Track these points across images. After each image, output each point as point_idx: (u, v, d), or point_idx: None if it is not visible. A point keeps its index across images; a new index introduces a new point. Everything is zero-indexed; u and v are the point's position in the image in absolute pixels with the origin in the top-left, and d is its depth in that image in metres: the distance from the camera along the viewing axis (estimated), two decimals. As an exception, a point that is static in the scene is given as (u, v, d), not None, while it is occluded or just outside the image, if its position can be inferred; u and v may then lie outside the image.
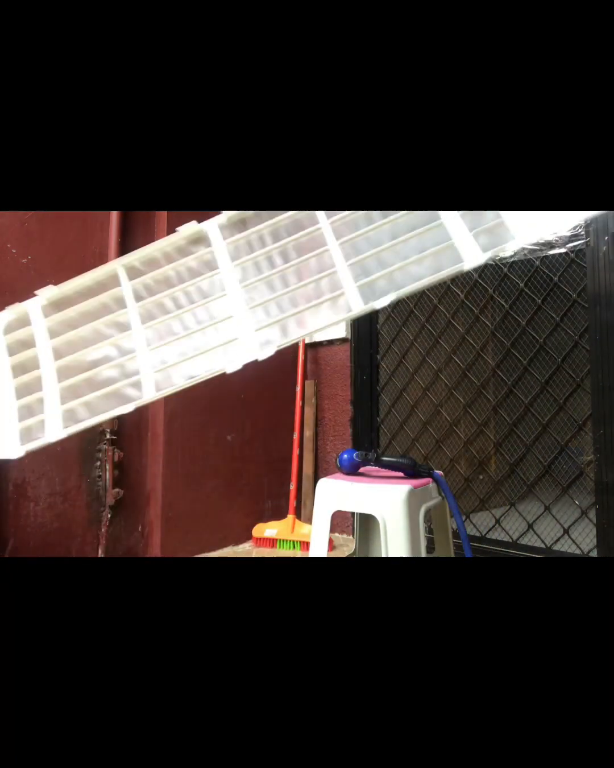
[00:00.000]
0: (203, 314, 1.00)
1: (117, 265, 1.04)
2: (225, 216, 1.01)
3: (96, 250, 1.77)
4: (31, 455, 1.61)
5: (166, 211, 1.92)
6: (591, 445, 1.56)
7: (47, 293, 1.06)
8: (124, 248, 1.84)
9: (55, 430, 0.99)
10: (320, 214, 0.97)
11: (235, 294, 0.99)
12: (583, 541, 1.63)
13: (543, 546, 1.71)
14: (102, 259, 1.78)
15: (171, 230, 2.02)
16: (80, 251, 1.72)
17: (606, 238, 1.53)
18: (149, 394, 0.98)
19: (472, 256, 0.88)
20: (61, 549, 1.65)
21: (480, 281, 1.93)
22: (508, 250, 0.89)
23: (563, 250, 1.65)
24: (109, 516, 1.76)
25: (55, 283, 1.67)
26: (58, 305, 1.07)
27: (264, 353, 0.96)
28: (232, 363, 0.97)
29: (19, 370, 1.04)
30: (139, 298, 1.03)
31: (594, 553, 1.57)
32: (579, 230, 1.60)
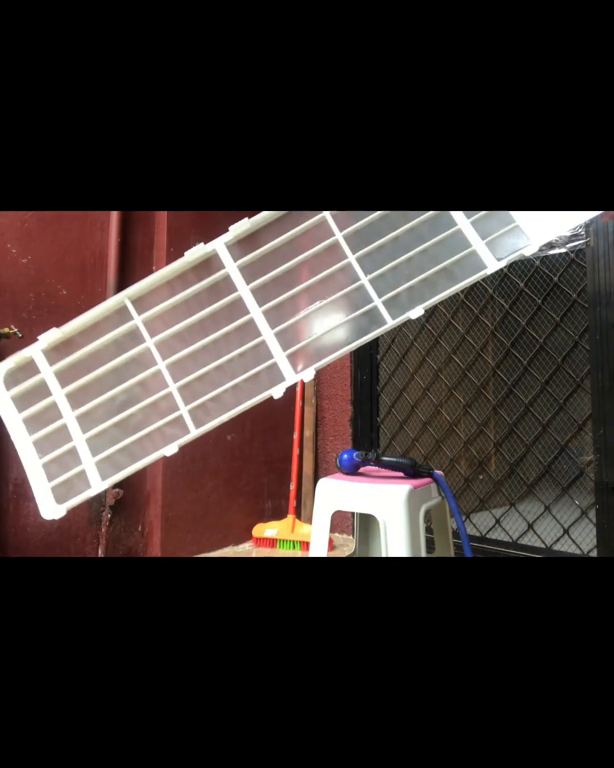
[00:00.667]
0: (227, 341, 0.96)
1: (123, 298, 0.98)
2: (231, 233, 0.97)
3: (96, 250, 1.77)
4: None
5: (165, 211, 1.92)
6: (591, 445, 1.56)
7: (50, 338, 0.98)
8: (123, 248, 1.84)
9: (95, 482, 0.93)
10: (331, 223, 0.95)
11: (258, 316, 0.95)
12: (583, 541, 1.63)
13: (543, 546, 1.71)
14: (102, 259, 1.78)
15: (171, 230, 2.02)
16: (80, 251, 1.72)
17: (606, 238, 1.53)
18: (193, 431, 0.94)
19: (493, 261, 0.90)
20: (61, 549, 1.65)
21: (480, 281, 1.92)
22: (528, 252, 0.90)
23: (563, 250, 1.65)
24: (109, 516, 1.76)
25: (56, 283, 1.67)
26: (61, 349, 1.00)
27: (307, 376, 0.94)
28: (276, 388, 0.94)
29: (35, 423, 0.97)
30: (152, 332, 0.97)
31: (594, 553, 1.57)
32: (579, 230, 1.60)
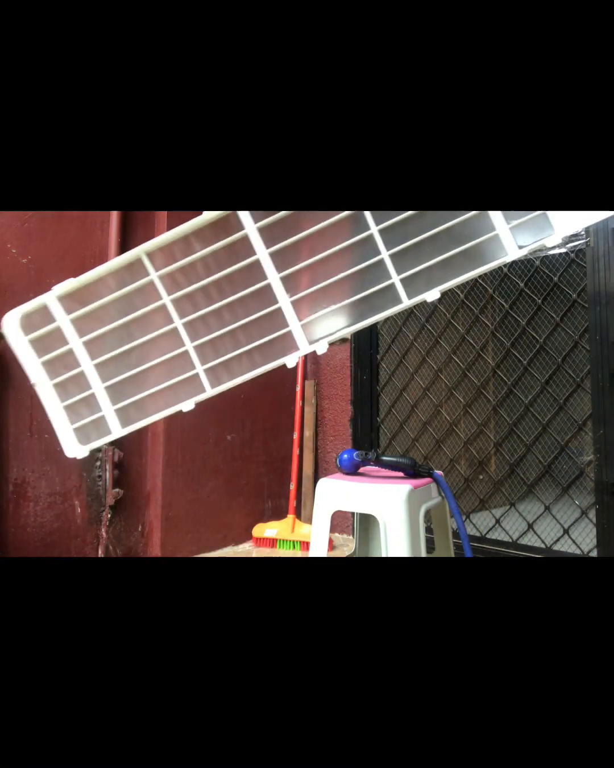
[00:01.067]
0: (243, 305, 0.95)
1: (140, 253, 0.96)
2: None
3: (96, 250, 1.77)
4: (31, 455, 1.61)
5: (165, 211, 1.92)
6: (591, 445, 1.56)
7: (65, 286, 0.99)
8: (123, 248, 1.84)
9: (115, 428, 0.96)
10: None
11: (276, 283, 0.94)
12: (583, 541, 1.63)
13: (543, 546, 1.71)
14: (102, 259, 1.78)
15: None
16: (80, 251, 1.72)
17: (606, 238, 1.53)
18: (208, 390, 0.96)
19: (514, 248, 0.88)
20: (61, 549, 1.65)
21: (480, 281, 1.93)
22: (550, 243, 0.88)
23: (563, 250, 1.65)
24: (109, 516, 1.76)
25: (56, 283, 1.67)
26: (76, 298, 1.00)
27: (320, 348, 0.93)
28: (290, 357, 0.93)
29: (53, 368, 0.98)
30: (168, 290, 0.96)
31: (594, 553, 1.57)
32: (580, 230, 1.59)
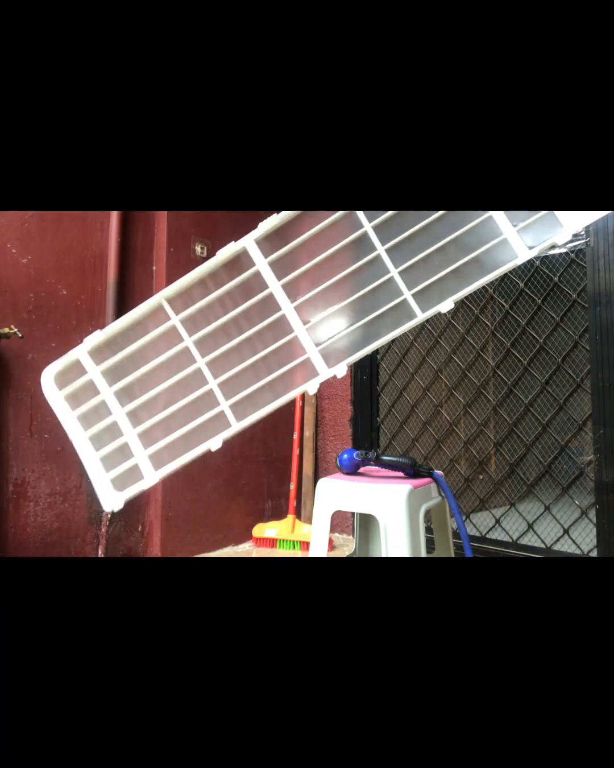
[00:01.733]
0: (261, 338, 0.99)
1: (161, 299, 1.02)
2: (260, 229, 0.99)
3: (96, 250, 1.77)
4: (31, 455, 1.61)
5: (165, 211, 1.92)
6: (591, 445, 1.56)
7: (93, 340, 1.03)
8: (123, 248, 1.84)
9: (149, 475, 0.99)
10: (360, 215, 0.94)
11: (290, 312, 0.97)
12: (583, 541, 1.63)
13: (543, 546, 1.71)
14: (102, 260, 1.78)
15: (171, 230, 2.03)
16: (80, 251, 1.72)
17: (606, 238, 1.53)
18: (234, 424, 0.99)
19: (525, 250, 0.88)
20: (61, 549, 1.65)
21: (480, 281, 1.92)
22: (560, 241, 0.88)
23: (563, 250, 1.65)
24: (109, 516, 1.76)
25: (56, 283, 1.67)
26: (105, 350, 1.05)
27: (340, 371, 0.95)
28: (311, 384, 0.96)
29: (88, 420, 1.03)
30: (189, 332, 1.01)
31: (594, 553, 1.57)
32: (580, 230, 1.59)
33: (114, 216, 1.80)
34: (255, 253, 0.98)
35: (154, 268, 1.95)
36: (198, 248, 2.02)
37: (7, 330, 1.49)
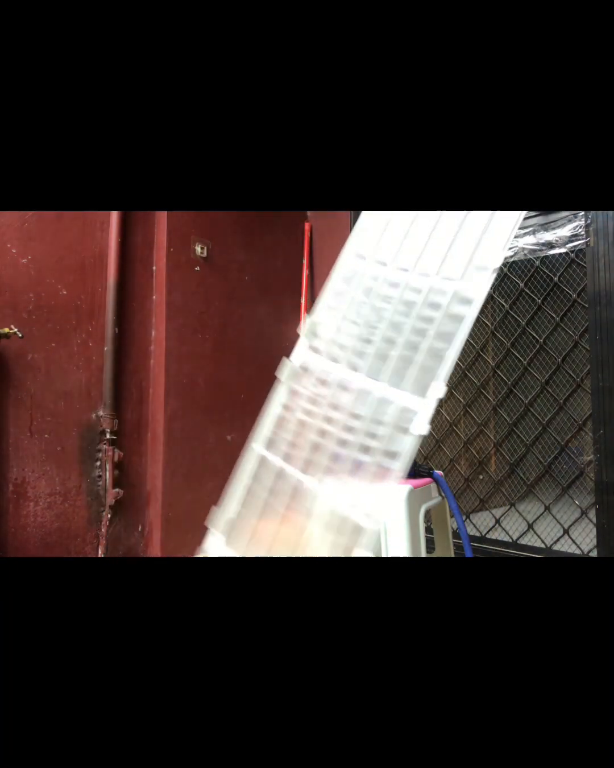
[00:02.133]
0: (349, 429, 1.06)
1: (257, 448, 1.16)
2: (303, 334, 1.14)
3: (96, 250, 1.77)
4: (31, 455, 1.60)
5: (165, 211, 1.92)
6: (591, 445, 1.56)
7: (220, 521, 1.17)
8: (123, 248, 1.84)
9: None
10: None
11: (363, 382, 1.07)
12: (583, 541, 1.63)
13: (543, 546, 1.71)
14: (102, 260, 1.78)
15: (171, 230, 2.02)
16: (80, 251, 1.72)
17: (607, 238, 1.53)
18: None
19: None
20: (61, 549, 1.65)
21: (480, 281, 1.92)
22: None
23: (563, 250, 1.65)
24: (109, 516, 1.76)
25: (56, 283, 1.67)
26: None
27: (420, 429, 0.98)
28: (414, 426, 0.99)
29: None
30: (288, 459, 1.12)
31: (594, 553, 1.57)
32: (580, 230, 1.60)
33: (114, 216, 1.80)
34: (314, 363, 1.17)
35: (154, 268, 1.95)
36: (198, 248, 2.02)
37: (7, 330, 1.49)
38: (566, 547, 1.67)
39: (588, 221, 1.57)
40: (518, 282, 1.81)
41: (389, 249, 1.15)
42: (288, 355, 2.67)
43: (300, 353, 1.18)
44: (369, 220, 1.21)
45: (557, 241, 1.65)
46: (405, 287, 1.09)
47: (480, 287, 0.98)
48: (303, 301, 2.46)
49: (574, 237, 1.61)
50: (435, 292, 1.04)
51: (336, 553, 0.97)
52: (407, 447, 0.95)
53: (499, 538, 1.83)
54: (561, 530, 1.68)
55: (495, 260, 0.98)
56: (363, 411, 1.04)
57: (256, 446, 1.14)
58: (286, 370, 1.17)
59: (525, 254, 1.72)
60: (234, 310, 2.18)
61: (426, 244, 1.09)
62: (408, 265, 1.11)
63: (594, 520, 1.56)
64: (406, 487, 1.17)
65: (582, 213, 1.60)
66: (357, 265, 1.18)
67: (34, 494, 1.59)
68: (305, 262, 2.50)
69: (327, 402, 1.09)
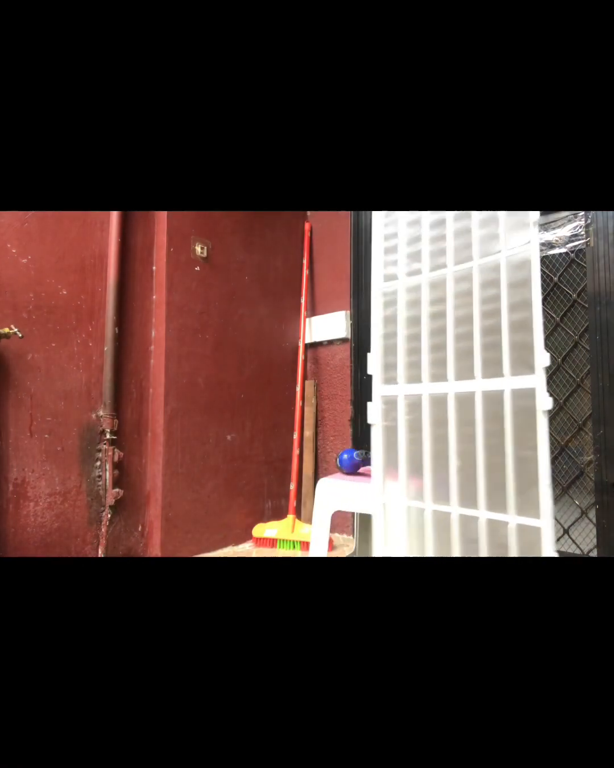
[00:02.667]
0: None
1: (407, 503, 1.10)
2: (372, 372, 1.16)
3: (96, 250, 1.77)
4: (31, 455, 1.60)
5: (165, 211, 1.92)
6: (591, 445, 1.56)
7: None
8: (123, 248, 1.84)
9: None
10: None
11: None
12: (583, 541, 1.63)
13: (543, 546, 1.71)
14: (102, 260, 1.78)
15: (171, 230, 2.02)
16: (80, 251, 1.73)
17: (606, 238, 1.53)
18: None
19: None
20: (61, 549, 1.65)
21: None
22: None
23: (563, 250, 1.65)
24: (109, 516, 1.76)
25: (56, 283, 1.67)
26: None
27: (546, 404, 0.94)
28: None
29: None
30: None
31: (594, 553, 1.57)
32: (579, 230, 1.60)
33: (114, 216, 1.80)
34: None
35: (153, 268, 1.95)
36: (198, 248, 2.02)
37: (7, 330, 1.49)
38: (566, 547, 1.67)
39: (588, 221, 1.57)
40: (518, 282, 1.81)
41: (413, 260, 1.15)
42: (288, 354, 2.67)
43: (378, 391, 1.16)
44: (379, 246, 1.21)
45: (557, 241, 1.65)
46: (453, 279, 1.07)
47: (528, 245, 0.95)
48: (303, 301, 2.46)
49: (574, 237, 1.61)
50: (486, 271, 1.02)
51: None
52: (542, 431, 0.91)
53: (499, 538, 1.83)
54: (561, 530, 1.68)
55: (530, 216, 0.95)
56: (478, 414, 1.00)
57: (401, 499, 1.09)
58: (375, 411, 1.14)
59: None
60: (234, 310, 2.19)
61: (452, 238, 1.08)
62: (443, 263, 1.10)
63: (594, 520, 1.56)
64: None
65: (582, 213, 1.60)
66: (388, 287, 1.18)
67: (34, 494, 1.59)
68: (305, 262, 2.50)
69: (431, 419, 1.06)
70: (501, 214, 1.01)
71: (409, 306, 1.14)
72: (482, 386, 1.00)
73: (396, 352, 1.15)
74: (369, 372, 1.18)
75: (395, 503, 1.11)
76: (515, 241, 0.98)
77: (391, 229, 1.20)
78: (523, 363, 0.95)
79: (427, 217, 1.13)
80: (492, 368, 0.99)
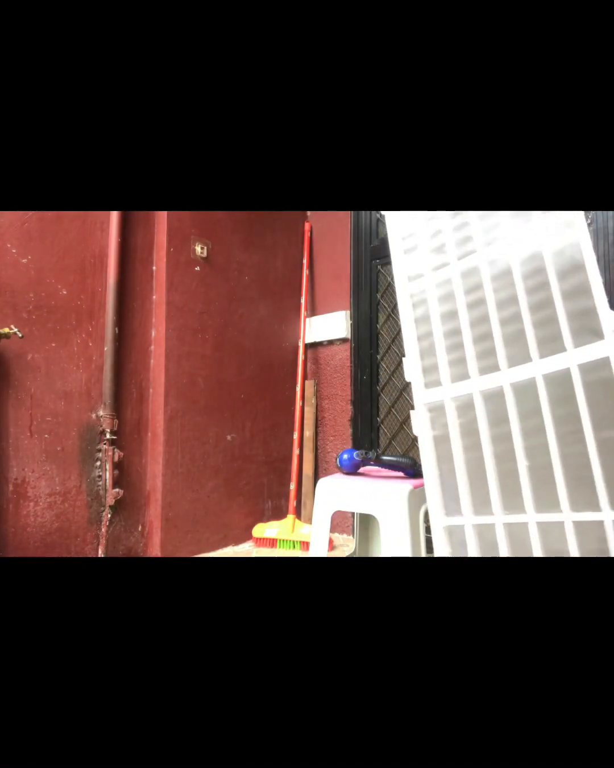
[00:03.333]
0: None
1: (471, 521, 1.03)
2: (409, 379, 1.08)
3: (96, 250, 1.77)
4: (31, 455, 1.60)
5: (165, 211, 1.92)
6: (591, 445, 1.56)
7: None
8: (123, 248, 1.84)
9: None
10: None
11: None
12: (583, 541, 1.63)
13: (543, 546, 1.71)
14: (102, 260, 1.78)
15: (171, 230, 2.03)
16: (80, 251, 1.73)
17: (607, 238, 1.53)
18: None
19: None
20: (61, 549, 1.65)
21: (480, 281, 1.92)
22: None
23: (563, 250, 1.65)
24: (109, 516, 1.76)
25: (56, 283, 1.67)
26: None
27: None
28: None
29: None
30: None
31: (594, 553, 1.57)
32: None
33: (114, 216, 1.80)
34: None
35: (153, 268, 1.95)
36: (198, 248, 2.02)
37: (7, 330, 1.49)
38: (566, 547, 1.66)
39: (589, 221, 1.57)
40: (518, 282, 1.81)
41: (437, 253, 1.09)
42: (288, 354, 2.67)
43: (420, 398, 1.06)
44: (398, 247, 1.16)
45: (557, 241, 1.65)
46: (487, 262, 0.99)
47: (576, 231, 0.90)
48: (303, 301, 2.46)
49: (574, 237, 1.60)
50: (524, 244, 0.95)
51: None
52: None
53: (499, 538, 1.83)
54: (561, 530, 1.68)
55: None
56: (543, 400, 0.89)
57: (467, 518, 1.00)
58: (420, 421, 1.04)
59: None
60: (234, 310, 2.19)
61: (478, 220, 1.02)
62: (470, 250, 1.02)
63: (594, 520, 1.55)
64: (406, 486, 1.17)
65: (582, 213, 1.59)
66: (415, 287, 1.11)
67: (34, 494, 1.59)
68: (305, 262, 2.51)
69: (489, 418, 0.96)
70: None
71: (442, 301, 1.06)
72: (541, 368, 0.90)
73: (434, 353, 1.06)
74: (407, 379, 1.09)
75: (461, 523, 0.99)
76: (560, 224, 0.92)
77: (408, 229, 1.14)
78: (588, 330, 0.85)
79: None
80: (551, 345, 0.90)
